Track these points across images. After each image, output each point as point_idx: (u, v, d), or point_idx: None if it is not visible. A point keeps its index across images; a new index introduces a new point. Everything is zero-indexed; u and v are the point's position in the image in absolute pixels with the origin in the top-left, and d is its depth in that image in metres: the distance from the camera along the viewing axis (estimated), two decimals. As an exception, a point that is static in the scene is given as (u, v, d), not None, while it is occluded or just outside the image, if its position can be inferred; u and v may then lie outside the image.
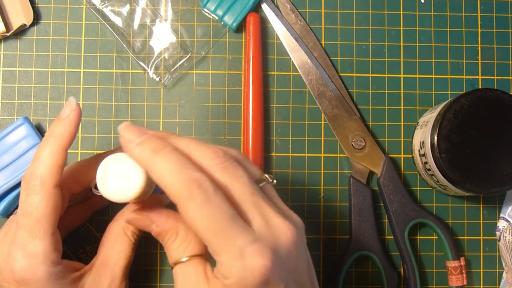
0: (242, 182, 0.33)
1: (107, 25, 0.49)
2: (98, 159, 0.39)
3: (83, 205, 0.45)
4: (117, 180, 0.36)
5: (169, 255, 0.37)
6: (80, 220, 0.45)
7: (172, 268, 0.36)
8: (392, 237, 0.49)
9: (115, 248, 0.41)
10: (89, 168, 0.40)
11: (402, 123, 0.50)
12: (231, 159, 0.33)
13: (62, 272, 0.37)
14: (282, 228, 0.32)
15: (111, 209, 0.48)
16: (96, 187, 0.36)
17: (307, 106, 0.50)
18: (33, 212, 0.35)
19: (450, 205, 0.50)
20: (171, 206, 0.34)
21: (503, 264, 0.49)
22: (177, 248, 0.36)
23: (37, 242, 0.36)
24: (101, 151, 0.48)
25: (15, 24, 0.48)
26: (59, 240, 0.37)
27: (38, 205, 0.35)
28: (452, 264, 0.47)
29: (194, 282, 0.34)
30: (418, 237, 0.49)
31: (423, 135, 0.45)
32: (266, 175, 0.36)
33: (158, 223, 0.37)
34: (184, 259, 0.36)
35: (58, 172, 0.36)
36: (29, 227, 0.35)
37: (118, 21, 0.49)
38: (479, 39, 0.51)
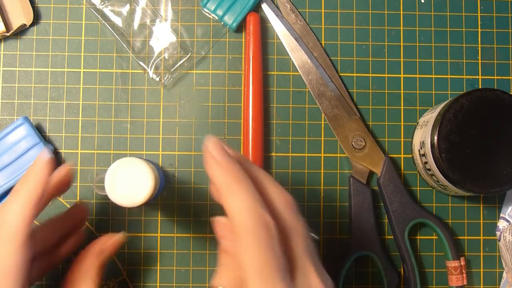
0: (303, 237, 0.33)
1: (107, 25, 0.49)
2: (52, 222, 0.40)
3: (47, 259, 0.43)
4: (126, 185, 0.36)
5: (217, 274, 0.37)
6: (43, 273, 0.43)
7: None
8: (392, 237, 0.49)
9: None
10: (48, 230, 0.41)
11: (402, 123, 0.50)
12: (297, 209, 0.34)
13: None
14: None
15: (111, 210, 0.48)
16: (98, 187, 0.36)
17: (307, 106, 0.50)
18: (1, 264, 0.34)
19: (450, 205, 0.50)
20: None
21: (503, 264, 0.49)
22: (229, 272, 0.35)
23: None
24: (101, 151, 0.49)
25: (15, 24, 0.48)
26: None
27: (7, 257, 0.34)
28: (452, 264, 0.47)
29: None
30: (418, 237, 0.49)
31: (423, 135, 0.45)
32: (311, 233, 0.36)
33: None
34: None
35: (28, 226, 0.35)
36: None
37: (118, 21, 0.49)
38: (479, 39, 0.51)
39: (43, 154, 0.37)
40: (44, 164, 0.36)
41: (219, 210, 0.49)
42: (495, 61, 0.50)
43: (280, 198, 0.34)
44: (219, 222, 0.34)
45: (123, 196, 0.36)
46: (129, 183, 0.36)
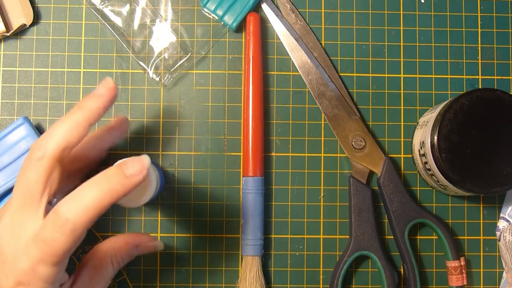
0: None
1: (107, 25, 0.49)
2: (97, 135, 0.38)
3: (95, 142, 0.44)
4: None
5: None
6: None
7: None
8: (392, 237, 0.49)
9: (98, 273, 0.41)
10: (90, 144, 0.40)
11: (402, 123, 0.50)
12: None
13: (58, 279, 0.36)
14: None
15: (111, 210, 0.48)
16: None
17: (307, 106, 0.50)
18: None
19: (450, 205, 0.50)
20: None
21: (503, 264, 0.49)
22: None
23: None
24: (101, 151, 0.48)
25: (15, 24, 0.48)
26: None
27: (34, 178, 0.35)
28: (452, 264, 0.47)
29: None
30: (418, 237, 0.49)
31: (423, 135, 0.45)
32: None
33: None
34: None
35: (67, 147, 0.35)
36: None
37: (118, 21, 0.49)
38: (479, 39, 0.51)
39: (109, 80, 0.37)
40: (108, 89, 0.37)
41: (219, 210, 0.49)
42: (495, 61, 0.50)
43: None
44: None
45: (125, 198, 0.36)
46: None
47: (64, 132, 0.35)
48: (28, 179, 0.35)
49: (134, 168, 0.34)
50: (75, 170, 0.42)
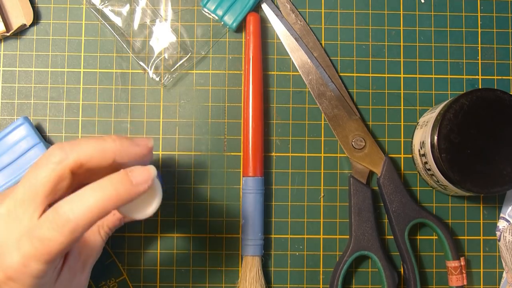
0: None
1: (107, 25, 0.49)
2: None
3: None
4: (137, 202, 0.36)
5: None
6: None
7: None
8: (392, 237, 0.49)
9: (87, 246, 0.40)
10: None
11: (402, 123, 0.50)
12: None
13: (49, 276, 0.35)
14: None
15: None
16: None
17: (307, 106, 0.50)
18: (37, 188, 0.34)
19: (450, 205, 0.50)
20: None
21: (503, 264, 0.49)
22: None
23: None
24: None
25: (15, 24, 0.48)
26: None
27: (43, 180, 0.34)
28: (452, 264, 0.47)
29: None
30: (418, 237, 0.49)
31: (423, 135, 0.45)
32: None
33: None
34: None
35: (86, 165, 0.34)
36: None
37: (118, 21, 0.49)
38: (479, 39, 0.51)
39: (150, 142, 0.36)
40: (147, 147, 0.36)
41: (219, 210, 0.49)
42: (495, 61, 0.50)
43: None
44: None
45: (130, 208, 0.35)
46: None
47: (91, 150, 0.34)
48: (38, 176, 0.34)
49: (140, 177, 0.34)
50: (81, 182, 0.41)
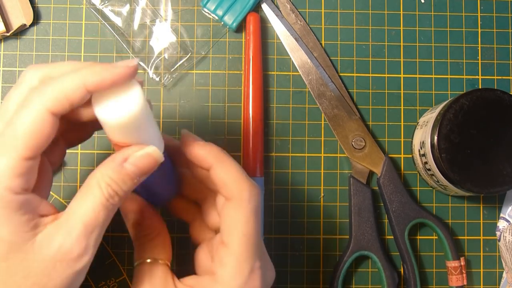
0: None
1: (107, 25, 0.49)
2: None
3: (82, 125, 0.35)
4: (113, 97, 0.31)
5: (141, 250, 0.37)
6: (82, 139, 0.37)
7: (136, 264, 0.37)
8: (392, 237, 0.49)
9: (83, 202, 0.32)
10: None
11: (402, 123, 0.50)
12: None
13: (18, 206, 0.30)
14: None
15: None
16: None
17: (307, 106, 0.50)
18: (16, 127, 0.29)
19: (450, 205, 0.50)
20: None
21: (503, 264, 0.49)
22: (153, 247, 0.37)
23: None
24: (101, 151, 0.48)
25: (15, 24, 0.48)
26: (32, 171, 0.30)
27: (25, 121, 0.29)
28: (452, 264, 0.47)
29: (161, 284, 0.35)
30: (418, 237, 0.49)
31: (423, 135, 0.45)
32: None
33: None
34: (160, 261, 0.37)
35: (69, 103, 0.30)
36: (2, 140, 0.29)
37: (118, 21, 0.49)
38: (479, 39, 0.51)
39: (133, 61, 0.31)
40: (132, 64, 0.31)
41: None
42: (495, 61, 0.50)
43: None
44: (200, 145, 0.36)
45: (106, 109, 0.30)
46: (117, 96, 0.31)
47: (58, 88, 0.30)
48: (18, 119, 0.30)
49: (122, 63, 0.31)
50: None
